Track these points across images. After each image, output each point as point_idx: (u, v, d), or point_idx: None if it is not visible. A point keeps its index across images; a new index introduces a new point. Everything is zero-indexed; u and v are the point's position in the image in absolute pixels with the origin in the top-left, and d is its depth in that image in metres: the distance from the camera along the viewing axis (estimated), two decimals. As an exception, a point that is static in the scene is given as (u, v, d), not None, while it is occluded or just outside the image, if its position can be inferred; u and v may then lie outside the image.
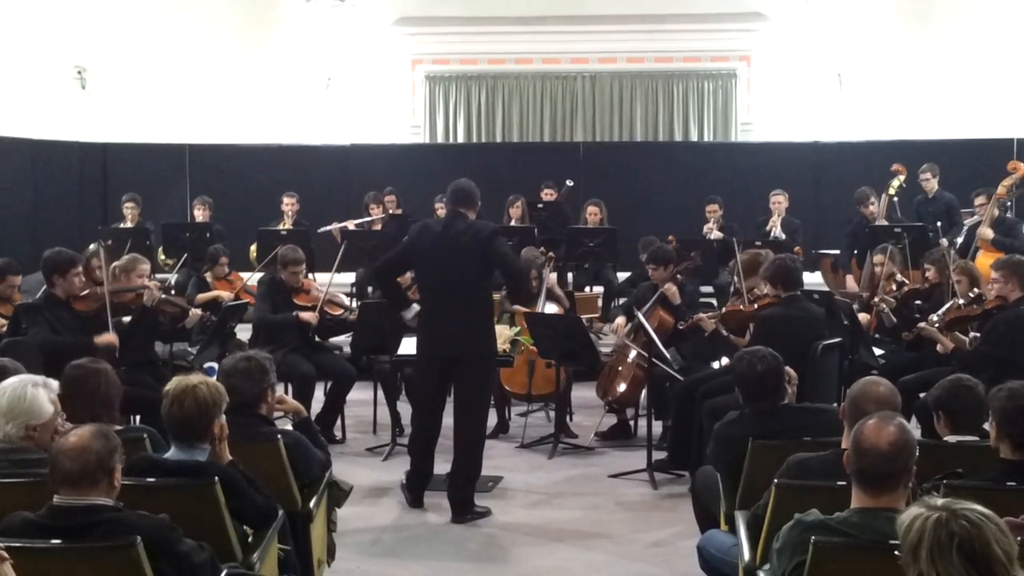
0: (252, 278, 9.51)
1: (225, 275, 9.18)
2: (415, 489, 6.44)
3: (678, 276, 7.94)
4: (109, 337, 6.58)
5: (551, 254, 8.88)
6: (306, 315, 7.86)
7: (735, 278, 7.72)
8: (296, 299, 8.00)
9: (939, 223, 10.26)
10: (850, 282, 10.55)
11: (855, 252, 10.58)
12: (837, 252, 11.16)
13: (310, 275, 8.68)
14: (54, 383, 4.26)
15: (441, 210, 10.95)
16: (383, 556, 5.77)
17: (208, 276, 9.14)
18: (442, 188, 11.26)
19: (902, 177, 10.70)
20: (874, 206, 10.54)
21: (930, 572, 2.49)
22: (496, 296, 8.32)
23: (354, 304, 8.50)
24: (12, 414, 4.07)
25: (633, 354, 7.74)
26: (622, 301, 9.57)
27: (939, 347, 6.98)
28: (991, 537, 2.48)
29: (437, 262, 6.28)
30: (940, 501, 2.58)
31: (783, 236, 10.77)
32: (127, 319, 6.99)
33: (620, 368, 7.86)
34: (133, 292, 7.04)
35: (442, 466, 6.56)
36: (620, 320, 8.33)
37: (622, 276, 11.06)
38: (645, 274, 8.40)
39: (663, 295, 7.72)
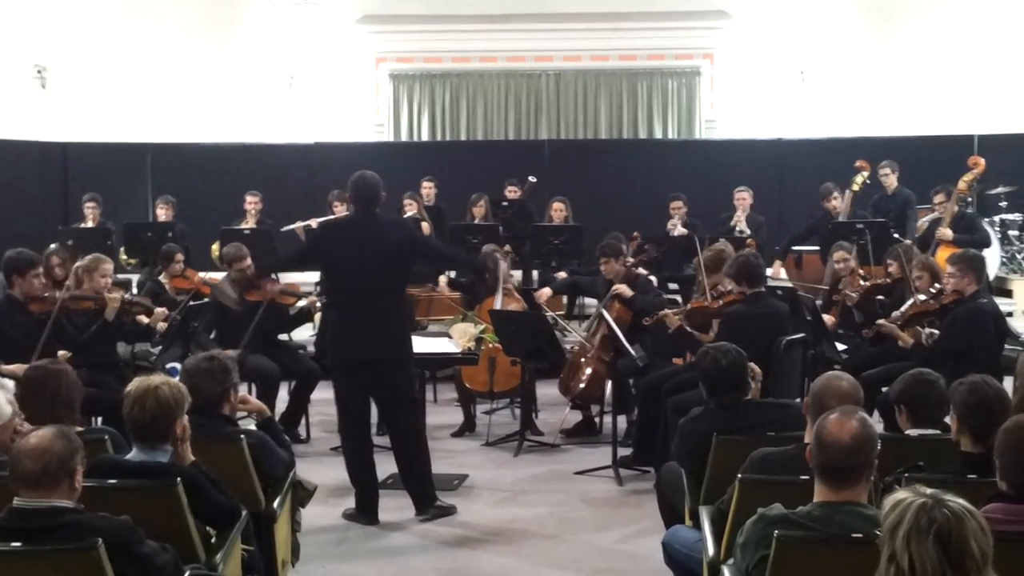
0: (212, 275, 9.46)
1: (181, 272, 9.11)
2: (369, 511, 6.25)
3: (634, 269, 7.97)
4: (12, 369, 6.04)
5: (507, 248, 8.89)
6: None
7: (699, 275, 7.75)
8: (248, 296, 7.95)
9: (896, 220, 10.37)
10: (776, 268, 10.56)
11: (815, 248, 10.64)
12: (803, 248, 11.19)
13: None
14: (9, 383, 4.23)
15: (410, 208, 10.94)
16: (348, 556, 5.75)
17: (164, 277, 9.06)
18: (408, 186, 11.38)
19: (866, 173, 10.75)
20: (837, 200, 10.59)
21: (903, 554, 2.51)
22: (449, 295, 8.36)
23: (313, 300, 8.40)
24: (-30, 417, 4.03)
25: (594, 349, 7.74)
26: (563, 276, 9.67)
27: (900, 342, 7.08)
28: (970, 532, 2.49)
29: (353, 265, 6.11)
30: (930, 490, 2.60)
31: (747, 232, 10.81)
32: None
33: (581, 363, 7.85)
34: (91, 300, 6.96)
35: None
36: (546, 290, 8.42)
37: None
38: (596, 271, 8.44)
39: (618, 291, 7.75)
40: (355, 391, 6.30)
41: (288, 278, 8.70)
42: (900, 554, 2.51)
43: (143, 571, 3.37)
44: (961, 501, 2.56)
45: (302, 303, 8.23)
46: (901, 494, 2.61)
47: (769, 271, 10.37)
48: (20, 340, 6.45)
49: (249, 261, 8.05)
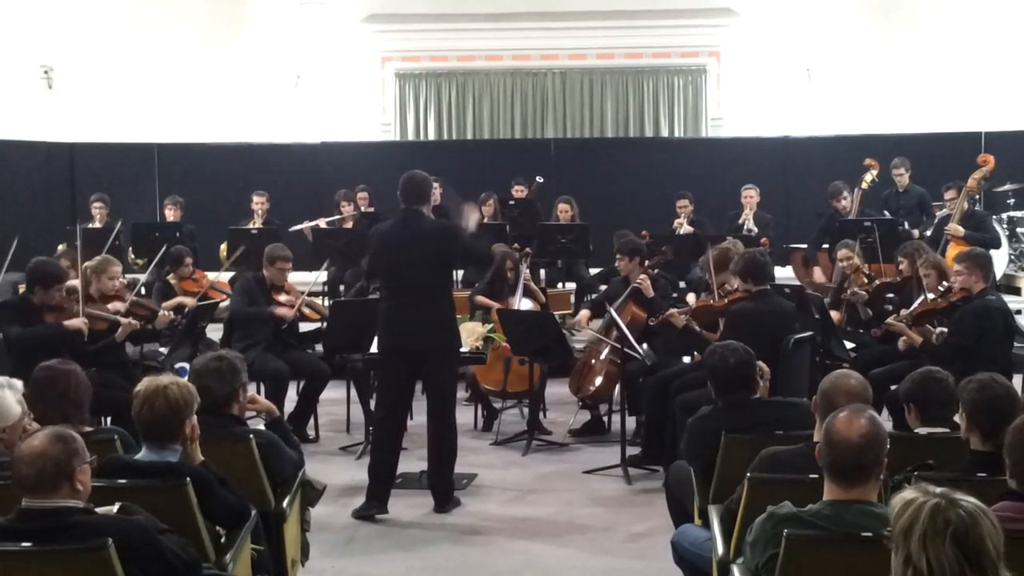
0: (220, 276, 9.47)
1: (190, 275, 9.12)
2: (380, 500, 6.28)
3: (650, 271, 7.97)
4: (78, 322, 6.61)
5: (527, 250, 8.89)
6: (282, 310, 7.83)
7: (706, 273, 7.74)
8: (275, 296, 7.98)
9: (910, 217, 10.36)
10: (817, 274, 10.58)
11: (826, 245, 10.62)
12: (806, 245, 11.21)
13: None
14: (18, 383, 4.23)
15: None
16: (357, 555, 5.75)
17: (172, 278, 9.06)
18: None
19: (875, 171, 10.76)
20: (846, 200, 10.58)
21: (920, 556, 2.49)
22: (465, 293, 8.40)
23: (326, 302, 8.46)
24: (-17, 418, 4.05)
25: (606, 350, 7.75)
26: (593, 297, 9.61)
27: (900, 342, 7.05)
28: (985, 531, 2.48)
29: (400, 260, 6.28)
30: (938, 489, 2.58)
31: (755, 230, 10.81)
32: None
33: (593, 364, 7.86)
34: (107, 322, 6.99)
35: (409, 464, 6.55)
36: (584, 313, 8.41)
37: (594, 272, 11.06)
38: (617, 270, 8.42)
39: (636, 289, 7.74)
40: (394, 382, 6.39)
41: (299, 280, 8.68)
42: (917, 557, 2.49)
43: (155, 572, 3.35)
44: (973, 500, 2.54)
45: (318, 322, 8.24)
46: (910, 494, 2.59)
47: (781, 270, 10.41)
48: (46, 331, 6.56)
49: (291, 264, 8.08)
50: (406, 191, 6.41)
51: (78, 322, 6.63)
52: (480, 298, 8.58)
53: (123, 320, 7.00)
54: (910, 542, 2.50)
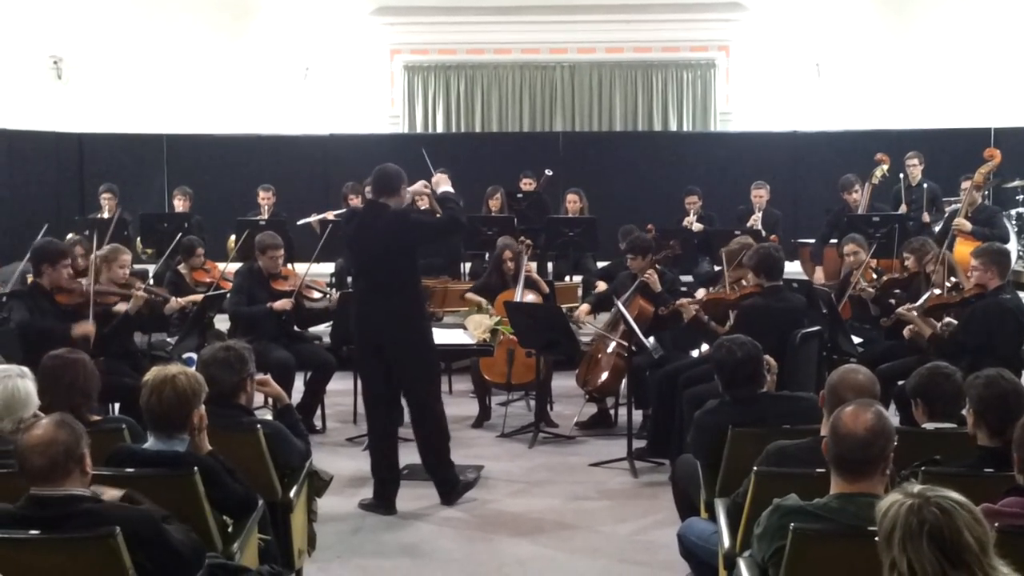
0: (230, 267, 9.47)
1: (201, 265, 9.12)
2: (387, 501, 6.27)
3: (657, 265, 7.97)
4: (86, 327, 6.56)
5: (528, 241, 8.88)
6: (280, 303, 7.83)
7: (720, 268, 7.73)
8: (274, 285, 7.98)
9: (920, 212, 10.34)
10: (819, 274, 10.52)
11: (834, 240, 10.58)
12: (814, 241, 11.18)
13: (289, 265, 8.64)
14: (29, 371, 4.25)
15: (421, 202, 10.91)
16: (363, 545, 5.76)
17: (183, 268, 9.07)
18: (422, 178, 11.35)
19: (885, 166, 10.72)
20: (858, 193, 10.55)
21: (901, 559, 2.48)
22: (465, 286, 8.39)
23: (333, 293, 8.45)
24: (9, 410, 4.09)
25: (613, 343, 7.75)
26: (595, 292, 9.61)
27: (906, 330, 6.99)
28: (962, 524, 2.47)
29: (364, 252, 6.26)
30: (917, 488, 2.57)
31: (764, 232, 10.74)
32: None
33: (600, 357, 7.86)
34: (118, 295, 7.01)
35: (416, 455, 6.59)
36: (584, 307, 8.40)
37: (601, 266, 11.06)
38: (622, 264, 8.41)
39: (643, 283, 7.73)
40: (373, 377, 6.35)
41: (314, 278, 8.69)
42: (899, 560, 2.49)
43: (162, 561, 3.37)
44: (951, 494, 2.53)
45: (324, 302, 8.23)
46: (892, 496, 2.58)
47: (790, 265, 10.37)
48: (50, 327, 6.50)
49: (282, 251, 8.08)
50: (374, 183, 6.37)
51: (87, 328, 6.55)
52: (469, 295, 8.59)
53: (135, 292, 7.02)
54: (892, 546, 2.49)
